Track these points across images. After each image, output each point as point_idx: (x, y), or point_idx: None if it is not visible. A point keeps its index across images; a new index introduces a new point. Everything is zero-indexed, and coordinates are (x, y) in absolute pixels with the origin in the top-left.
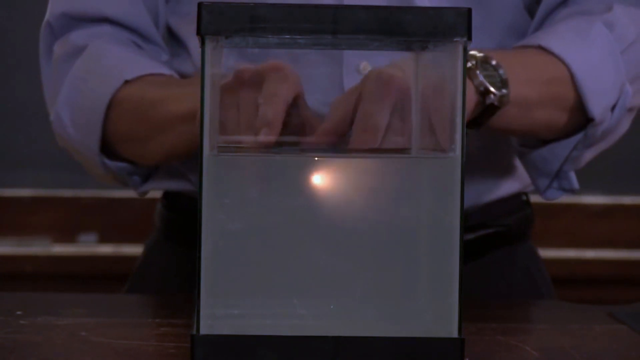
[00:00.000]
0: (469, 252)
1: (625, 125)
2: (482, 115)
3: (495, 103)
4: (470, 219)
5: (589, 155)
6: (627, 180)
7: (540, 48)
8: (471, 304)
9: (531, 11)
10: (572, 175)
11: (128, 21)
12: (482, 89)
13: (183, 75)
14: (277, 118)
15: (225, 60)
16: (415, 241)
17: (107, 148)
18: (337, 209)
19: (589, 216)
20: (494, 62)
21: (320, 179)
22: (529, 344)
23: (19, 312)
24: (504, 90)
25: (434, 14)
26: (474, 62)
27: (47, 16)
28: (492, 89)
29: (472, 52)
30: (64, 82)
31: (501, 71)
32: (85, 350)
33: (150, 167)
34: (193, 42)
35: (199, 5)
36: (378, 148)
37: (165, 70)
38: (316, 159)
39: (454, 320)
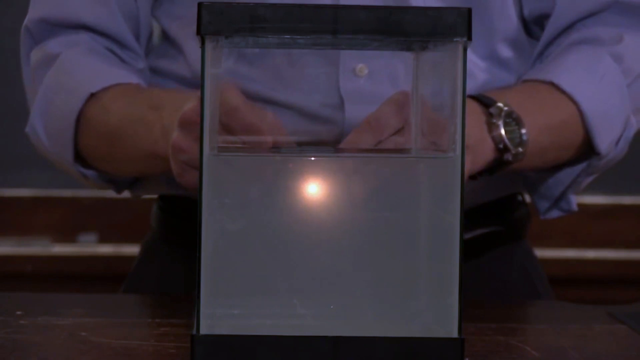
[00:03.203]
0: (466, 252)
1: (625, 151)
2: (494, 167)
3: (510, 159)
4: (467, 218)
5: (589, 180)
6: (627, 180)
7: (552, 84)
8: (471, 304)
9: (529, 25)
10: (572, 198)
11: (104, 28)
12: (501, 146)
13: (172, 76)
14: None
15: (225, 60)
16: (415, 241)
17: (82, 158)
18: (337, 209)
19: (589, 216)
20: (519, 120)
21: (320, 179)
22: (529, 344)
23: (19, 312)
24: (520, 149)
25: (434, 14)
26: (498, 115)
27: (25, 21)
28: (510, 147)
29: (499, 104)
30: (38, 93)
31: (523, 131)
32: (85, 350)
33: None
34: (188, 44)
35: (199, 5)
36: (378, 148)
37: (134, 79)
38: (316, 159)
39: (454, 320)
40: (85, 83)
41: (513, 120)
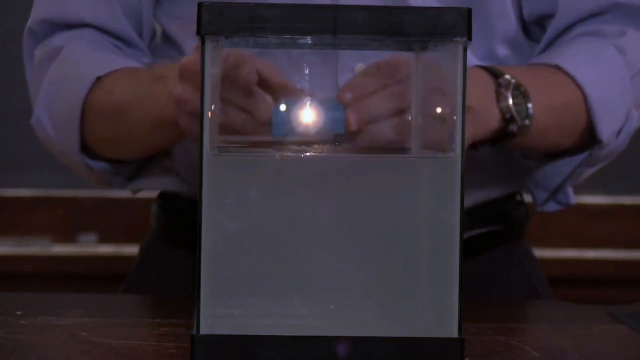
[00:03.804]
0: (465, 251)
1: (625, 145)
2: (499, 138)
3: (516, 131)
4: (466, 218)
5: (588, 172)
6: (627, 180)
7: (557, 68)
8: (471, 304)
9: (528, 26)
10: (570, 191)
11: (108, 27)
12: (507, 116)
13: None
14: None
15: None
16: (415, 241)
17: (88, 148)
18: (337, 209)
19: (589, 216)
20: (526, 94)
21: (320, 179)
22: (529, 344)
23: (19, 312)
24: (526, 122)
25: (434, 14)
26: (507, 86)
27: (28, 22)
28: (517, 118)
29: (507, 76)
30: (42, 84)
31: (529, 105)
32: (85, 350)
33: (133, 163)
34: (188, 45)
35: (199, 5)
36: (378, 147)
37: (138, 65)
38: (316, 158)
39: (454, 320)
40: (89, 70)
41: (520, 93)
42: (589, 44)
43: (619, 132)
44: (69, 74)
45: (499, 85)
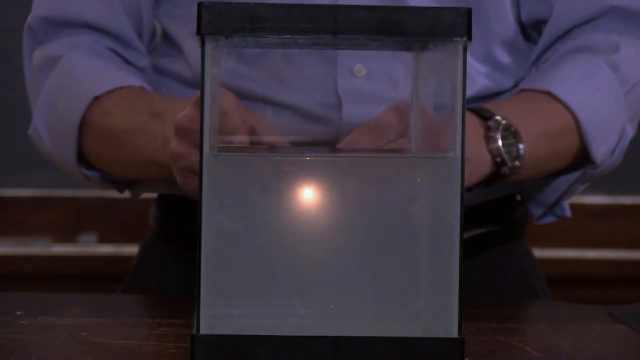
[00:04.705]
0: (464, 252)
1: (620, 159)
2: (490, 180)
3: (507, 172)
4: (465, 218)
5: (584, 186)
6: (627, 180)
7: (549, 94)
8: (471, 304)
9: (526, 29)
10: (565, 204)
11: (108, 27)
12: (498, 160)
13: (173, 76)
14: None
15: (225, 60)
16: (415, 241)
17: (86, 160)
18: (337, 209)
19: (589, 216)
20: (517, 134)
21: (320, 179)
22: (529, 344)
23: (19, 312)
24: (517, 163)
25: (434, 14)
26: (496, 128)
27: (28, 19)
28: (507, 160)
29: (497, 117)
30: (40, 95)
31: (521, 145)
32: (85, 350)
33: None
34: (188, 44)
35: (199, 5)
36: (378, 148)
37: (137, 81)
38: (316, 159)
39: (454, 320)
40: (87, 86)
41: (511, 133)
42: (581, 64)
43: (613, 151)
44: (66, 88)
45: (488, 129)
